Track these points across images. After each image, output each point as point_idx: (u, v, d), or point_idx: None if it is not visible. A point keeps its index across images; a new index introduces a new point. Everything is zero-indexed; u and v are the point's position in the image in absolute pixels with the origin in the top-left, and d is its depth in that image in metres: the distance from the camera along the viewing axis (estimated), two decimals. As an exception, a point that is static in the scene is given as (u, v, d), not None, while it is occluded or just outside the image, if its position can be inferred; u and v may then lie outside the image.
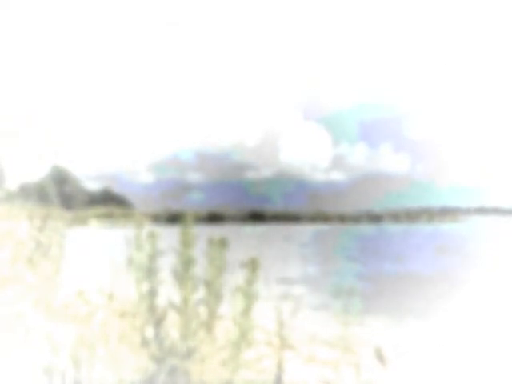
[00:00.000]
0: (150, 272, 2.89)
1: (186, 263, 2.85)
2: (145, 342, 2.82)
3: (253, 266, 2.77)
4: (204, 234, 2.90)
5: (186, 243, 2.87)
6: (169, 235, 3.14)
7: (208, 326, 2.83)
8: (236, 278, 2.80)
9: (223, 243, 2.88)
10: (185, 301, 2.83)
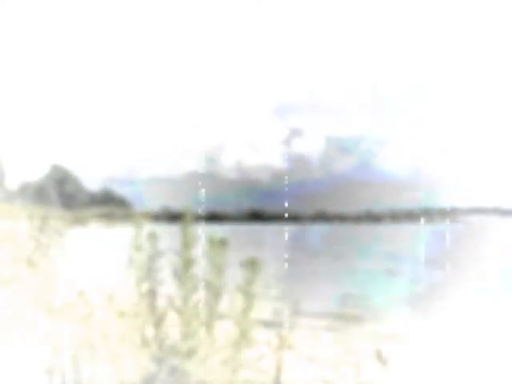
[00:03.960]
0: (150, 272, 2.89)
1: (186, 263, 2.85)
2: (145, 342, 2.82)
3: (252, 265, 2.77)
4: (204, 233, 2.90)
5: (186, 243, 2.87)
6: (169, 235, 3.14)
7: (208, 326, 2.83)
8: (236, 277, 2.80)
9: (223, 243, 2.87)
10: (185, 301, 2.84)
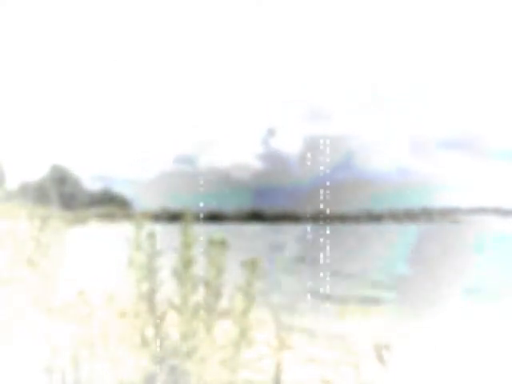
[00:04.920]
0: (150, 272, 2.89)
1: (186, 263, 2.85)
2: (145, 342, 2.82)
3: (252, 266, 2.77)
4: (204, 233, 2.90)
5: (186, 243, 2.87)
6: (169, 235, 3.14)
7: (208, 326, 2.83)
8: (236, 278, 2.80)
9: (223, 243, 2.87)
10: (185, 301, 2.84)
